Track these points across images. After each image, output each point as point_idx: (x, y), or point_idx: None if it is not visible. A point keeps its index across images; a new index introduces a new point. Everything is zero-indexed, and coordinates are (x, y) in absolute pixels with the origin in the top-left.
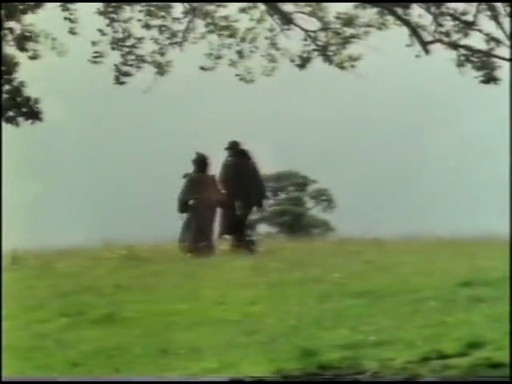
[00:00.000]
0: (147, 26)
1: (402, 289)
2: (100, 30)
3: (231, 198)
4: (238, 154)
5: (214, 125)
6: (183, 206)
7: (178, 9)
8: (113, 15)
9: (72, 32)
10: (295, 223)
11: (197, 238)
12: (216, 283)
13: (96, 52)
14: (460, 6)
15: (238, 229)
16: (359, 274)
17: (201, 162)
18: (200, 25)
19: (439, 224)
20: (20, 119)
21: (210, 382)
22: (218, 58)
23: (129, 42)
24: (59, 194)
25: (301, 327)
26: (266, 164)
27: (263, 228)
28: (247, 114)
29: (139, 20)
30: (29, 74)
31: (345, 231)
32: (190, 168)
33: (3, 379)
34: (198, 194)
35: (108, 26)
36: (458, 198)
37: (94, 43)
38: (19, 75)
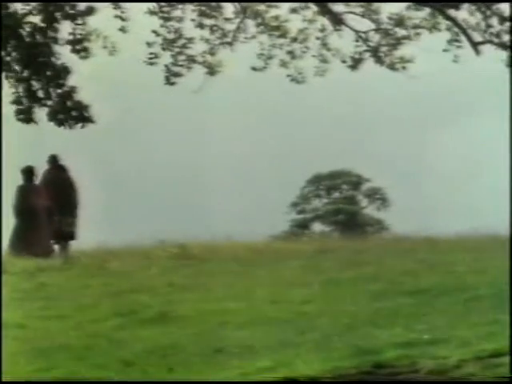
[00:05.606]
0: (200, 26)
1: (456, 287)
2: (154, 31)
3: (50, 208)
4: (55, 168)
5: (265, 124)
6: (15, 213)
7: (229, 9)
8: (165, 15)
9: (123, 30)
10: (349, 222)
11: (23, 242)
12: (269, 282)
13: (151, 53)
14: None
15: (58, 236)
16: (413, 272)
17: (28, 173)
18: (251, 25)
19: (495, 222)
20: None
21: (263, 382)
22: (269, 58)
23: (180, 43)
24: (110, 194)
25: (355, 326)
26: (322, 163)
27: (317, 227)
28: (297, 113)
29: (192, 20)
30: (81, 75)
31: (399, 229)
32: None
33: (3, 380)
34: (26, 202)
35: (162, 26)
36: None
37: (148, 44)
38: (71, 81)
